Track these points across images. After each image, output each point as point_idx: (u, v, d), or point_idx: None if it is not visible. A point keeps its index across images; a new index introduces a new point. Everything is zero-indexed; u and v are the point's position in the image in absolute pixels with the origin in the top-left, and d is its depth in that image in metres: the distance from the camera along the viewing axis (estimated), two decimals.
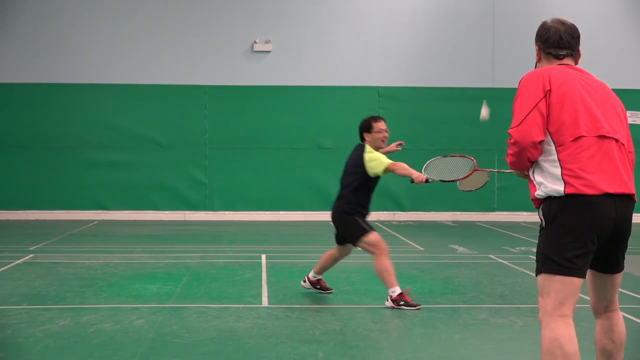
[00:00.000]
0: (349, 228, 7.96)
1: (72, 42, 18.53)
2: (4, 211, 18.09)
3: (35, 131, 18.33)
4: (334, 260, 8.38)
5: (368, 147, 7.97)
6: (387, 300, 7.76)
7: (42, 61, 18.43)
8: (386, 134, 8.06)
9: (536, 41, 4.43)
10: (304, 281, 8.63)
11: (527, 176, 4.42)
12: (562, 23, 4.38)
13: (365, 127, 8.09)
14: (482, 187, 6.72)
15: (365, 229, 7.85)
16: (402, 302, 7.67)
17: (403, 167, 7.55)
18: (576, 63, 4.39)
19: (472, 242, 13.75)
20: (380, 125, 8.07)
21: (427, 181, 7.16)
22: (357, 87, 18.82)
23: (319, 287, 8.53)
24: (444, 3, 19.14)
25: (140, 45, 18.62)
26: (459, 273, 10.09)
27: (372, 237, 7.81)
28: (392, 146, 8.51)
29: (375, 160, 7.79)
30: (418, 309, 7.63)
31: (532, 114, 4.07)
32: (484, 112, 4.94)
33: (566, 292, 4.02)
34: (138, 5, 18.67)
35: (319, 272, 8.49)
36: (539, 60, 4.43)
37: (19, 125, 18.31)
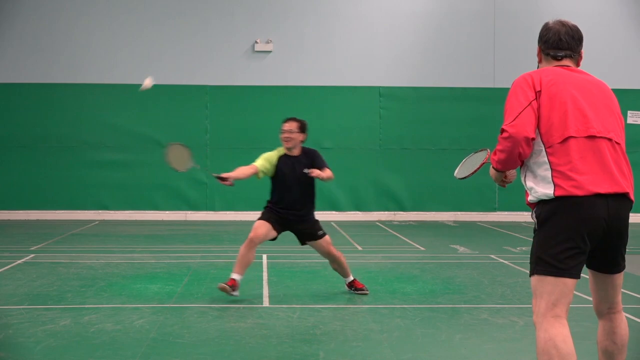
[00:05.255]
0: None
1: (74, 42, 18.54)
2: (5, 211, 18.10)
3: (37, 131, 18.33)
4: (328, 259, 8.48)
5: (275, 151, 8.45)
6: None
7: (43, 61, 18.44)
8: (287, 135, 8.30)
9: (538, 42, 4.43)
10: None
11: (505, 182, 4.43)
12: (563, 24, 4.36)
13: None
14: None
15: (259, 217, 8.28)
16: (230, 289, 7.95)
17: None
18: (577, 64, 4.37)
19: (473, 242, 13.75)
20: (283, 126, 8.36)
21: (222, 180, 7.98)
22: (358, 87, 18.83)
23: (354, 288, 8.54)
24: (445, 3, 19.13)
25: (142, 45, 18.62)
26: (460, 273, 10.09)
27: (255, 224, 8.21)
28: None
29: None
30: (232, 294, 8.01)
31: (526, 111, 4.07)
32: (147, 82, 5.08)
33: (558, 293, 4.02)
34: (139, 6, 18.68)
35: (345, 275, 8.54)
36: (540, 61, 4.43)
37: (21, 125, 18.31)
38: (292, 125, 8.32)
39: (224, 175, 7.95)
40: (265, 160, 8.34)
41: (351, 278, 8.54)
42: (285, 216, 8.25)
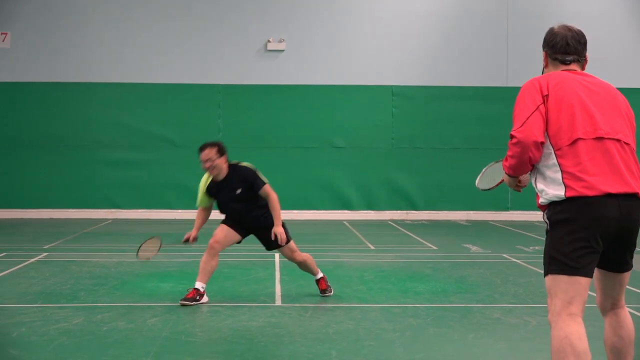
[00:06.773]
0: None
1: (86, 40, 18.60)
2: (19, 210, 18.17)
3: (49, 130, 18.41)
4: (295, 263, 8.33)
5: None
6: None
7: (56, 60, 18.50)
8: (208, 164, 7.72)
9: (543, 47, 4.48)
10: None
11: (519, 187, 4.46)
12: (569, 29, 4.41)
13: None
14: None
15: (222, 221, 8.05)
16: (190, 300, 7.66)
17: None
18: (583, 68, 4.41)
19: (486, 241, 13.71)
20: (201, 156, 7.78)
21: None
22: (370, 86, 18.81)
23: (319, 288, 8.31)
24: (457, 2, 19.09)
25: (154, 44, 18.66)
26: (472, 272, 10.07)
27: (216, 229, 7.96)
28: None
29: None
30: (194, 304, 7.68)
31: (534, 115, 4.11)
32: None
33: (572, 291, 4.02)
34: (151, 4, 18.72)
35: (314, 273, 8.29)
36: (546, 66, 4.47)
37: (33, 124, 18.38)
38: (209, 153, 7.71)
39: (187, 236, 7.80)
40: (201, 195, 7.95)
41: (319, 276, 8.25)
42: (244, 223, 8.02)
